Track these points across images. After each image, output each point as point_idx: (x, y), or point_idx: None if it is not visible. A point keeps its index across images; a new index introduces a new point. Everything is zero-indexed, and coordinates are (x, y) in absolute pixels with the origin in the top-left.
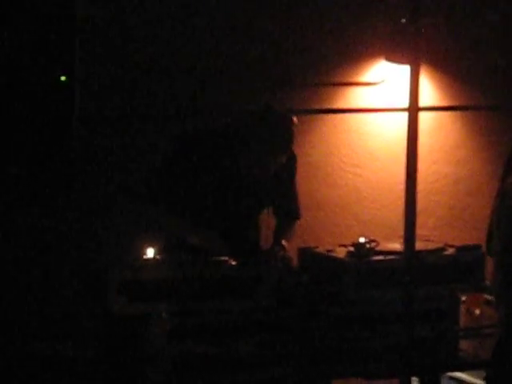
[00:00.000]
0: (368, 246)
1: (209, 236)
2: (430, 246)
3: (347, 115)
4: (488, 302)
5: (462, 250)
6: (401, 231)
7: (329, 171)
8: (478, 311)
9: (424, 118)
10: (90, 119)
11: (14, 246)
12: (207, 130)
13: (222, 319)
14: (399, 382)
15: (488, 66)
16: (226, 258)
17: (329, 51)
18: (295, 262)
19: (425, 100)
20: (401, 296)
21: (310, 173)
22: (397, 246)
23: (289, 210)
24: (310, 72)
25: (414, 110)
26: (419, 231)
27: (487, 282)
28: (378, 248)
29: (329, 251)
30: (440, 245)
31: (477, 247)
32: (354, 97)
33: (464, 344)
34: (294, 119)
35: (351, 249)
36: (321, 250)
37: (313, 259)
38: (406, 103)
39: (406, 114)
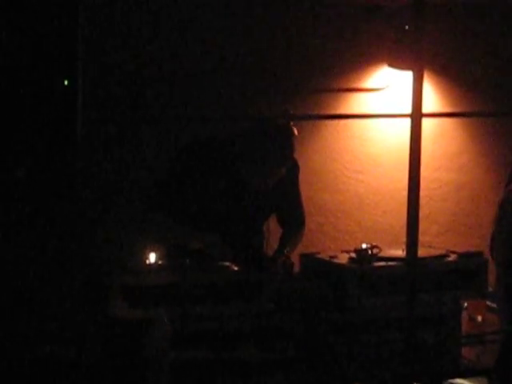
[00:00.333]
0: (370, 252)
1: (211, 241)
2: (433, 252)
3: (350, 121)
4: (490, 309)
5: (464, 256)
6: (403, 237)
7: (331, 177)
8: (480, 318)
9: (426, 124)
10: (93, 123)
11: (16, 248)
12: (209, 139)
13: (223, 324)
14: None
15: (491, 72)
16: (228, 264)
17: (332, 57)
18: (297, 267)
19: (427, 106)
20: (403, 302)
21: (313, 179)
22: (399, 252)
23: (293, 219)
24: (313, 78)
25: (417, 116)
26: (421, 238)
27: (490, 289)
28: (380, 254)
29: (331, 257)
30: (442, 251)
31: (479, 254)
32: (357, 103)
33: (466, 351)
34: (294, 130)
35: (353, 255)
36: (323, 255)
37: (315, 265)
38: (408, 109)
39: (408, 120)
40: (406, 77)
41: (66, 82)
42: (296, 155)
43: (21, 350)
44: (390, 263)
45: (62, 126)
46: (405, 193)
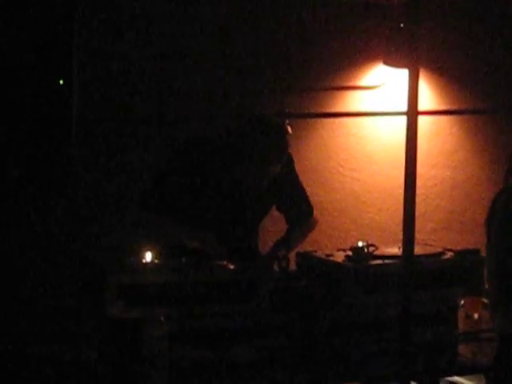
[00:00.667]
0: (366, 250)
1: (207, 239)
2: (429, 250)
3: (345, 119)
4: (486, 306)
5: (460, 254)
6: (399, 235)
7: (327, 175)
8: (476, 315)
9: (422, 122)
10: (88, 123)
11: (12, 248)
12: (203, 138)
13: (220, 323)
14: None
15: (486, 69)
16: (225, 263)
17: (327, 55)
18: (293, 266)
19: (423, 104)
20: (399, 300)
21: (309, 177)
22: (395, 250)
23: (296, 211)
24: (309, 76)
25: (413, 113)
26: (417, 235)
27: (486, 287)
28: (376, 252)
29: (327, 255)
30: (439, 249)
31: (475, 251)
32: (353, 101)
33: (463, 348)
34: (288, 128)
35: (350, 253)
36: (319, 254)
37: (311, 263)
38: (404, 107)
39: (404, 118)
40: (402, 75)
41: (61, 82)
42: (292, 153)
43: (18, 350)
44: (387, 261)
45: (56, 125)
46: (401, 190)
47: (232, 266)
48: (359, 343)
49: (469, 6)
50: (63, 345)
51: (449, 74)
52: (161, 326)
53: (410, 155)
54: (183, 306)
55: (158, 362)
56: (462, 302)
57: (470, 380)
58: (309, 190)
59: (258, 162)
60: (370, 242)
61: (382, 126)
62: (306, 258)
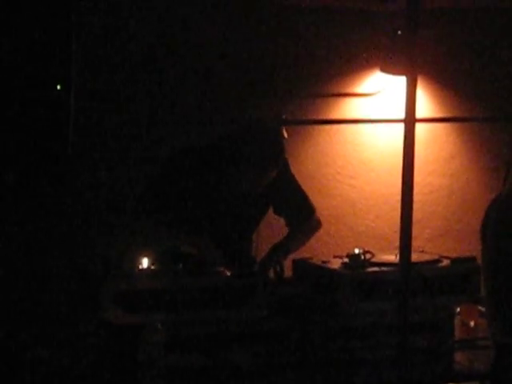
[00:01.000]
0: (363, 257)
1: (204, 245)
2: (425, 257)
3: (342, 126)
4: (483, 314)
5: (457, 261)
6: (395, 242)
7: (324, 182)
8: (472, 323)
9: (418, 129)
10: (85, 128)
11: (8, 253)
12: (198, 144)
13: (216, 329)
14: None
15: (483, 77)
16: (221, 269)
17: (324, 62)
18: (289, 272)
19: (419, 111)
20: (396, 307)
21: (305, 183)
22: (392, 257)
23: (295, 214)
24: (306, 83)
25: (410, 121)
26: (414, 242)
27: (482, 294)
28: (372, 259)
29: (324, 262)
30: (435, 256)
31: (472, 259)
32: (350, 108)
33: (459, 356)
34: (284, 132)
35: (346, 260)
36: (315, 261)
37: (307, 270)
38: (401, 114)
39: (401, 126)
40: (399, 82)
41: (58, 87)
42: (288, 160)
43: (14, 355)
44: (383, 268)
45: (54, 130)
46: (397, 198)
47: (228, 272)
48: (355, 350)
49: (467, 13)
50: (60, 350)
51: (445, 81)
52: (157, 332)
53: (407, 162)
54: (180, 312)
55: (154, 368)
56: (458, 309)
57: None
58: None
59: (254, 166)
60: (366, 249)
61: (379, 133)
62: (302, 265)
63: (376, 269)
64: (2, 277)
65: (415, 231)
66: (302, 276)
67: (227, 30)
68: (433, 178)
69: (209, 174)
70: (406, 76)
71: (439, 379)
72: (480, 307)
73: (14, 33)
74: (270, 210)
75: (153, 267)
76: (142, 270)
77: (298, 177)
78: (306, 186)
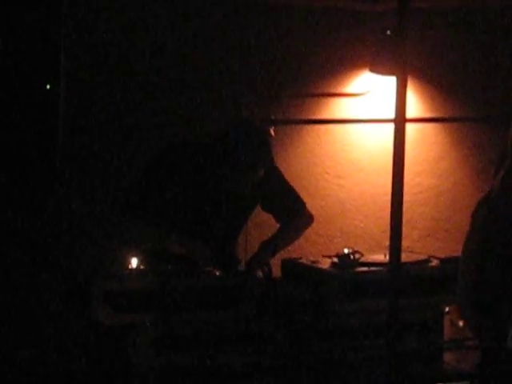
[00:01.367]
0: (352, 257)
1: (193, 245)
2: (415, 257)
3: (331, 126)
4: None
5: (446, 261)
6: (384, 242)
7: (312, 182)
8: (461, 323)
9: (407, 129)
10: (75, 128)
11: None
12: (186, 142)
13: (206, 330)
14: None
15: (472, 77)
16: (211, 269)
17: (313, 62)
18: (278, 272)
19: (408, 111)
20: (385, 307)
21: (294, 183)
22: (381, 257)
23: (284, 210)
24: (295, 83)
25: (400, 121)
26: (403, 242)
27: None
28: (362, 259)
29: (313, 262)
30: (424, 256)
31: None
32: (338, 108)
33: (448, 356)
34: (271, 131)
35: (335, 260)
36: (305, 261)
37: (297, 270)
38: (389, 114)
39: (389, 126)
40: (387, 82)
41: (48, 87)
42: (277, 160)
43: (4, 356)
44: (373, 268)
45: (43, 130)
46: (386, 198)
47: (218, 273)
48: (345, 350)
49: (455, 13)
50: (50, 351)
51: (434, 81)
52: (147, 333)
53: (397, 162)
54: (169, 312)
55: (144, 368)
56: (447, 309)
57: None
58: None
59: (242, 166)
60: (355, 249)
61: (368, 133)
62: (291, 265)
63: (365, 269)
64: None
65: (404, 231)
66: (291, 276)
67: (216, 29)
68: (421, 178)
69: (196, 172)
70: (396, 76)
71: (428, 379)
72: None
73: (3, 32)
74: (259, 210)
75: (142, 267)
76: (132, 270)
77: (286, 177)
78: (294, 185)
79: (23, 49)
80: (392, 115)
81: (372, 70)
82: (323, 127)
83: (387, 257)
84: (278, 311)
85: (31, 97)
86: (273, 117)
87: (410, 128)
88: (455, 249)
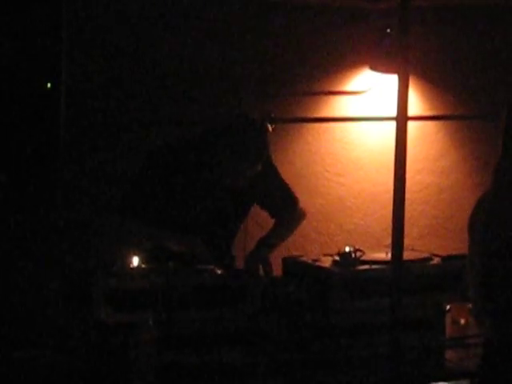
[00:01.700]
0: (354, 255)
1: (195, 244)
2: (416, 255)
3: (331, 124)
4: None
5: (447, 259)
6: (384, 240)
7: (312, 180)
8: (463, 321)
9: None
10: (75, 127)
11: None
12: (182, 139)
13: (208, 328)
14: None
15: (472, 75)
16: (212, 267)
17: (314, 60)
18: (279, 271)
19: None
20: (387, 306)
21: (294, 181)
22: (382, 255)
23: (279, 206)
24: (295, 81)
25: (402, 119)
26: (403, 240)
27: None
28: (363, 257)
29: (314, 260)
30: (426, 254)
31: (463, 257)
32: (338, 106)
33: (449, 354)
34: (269, 127)
35: (337, 258)
36: (306, 259)
37: (298, 268)
38: (389, 112)
39: (390, 124)
40: (388, 80)
41: (49, 85)
42: (277, 158)
43: (4, 355)
44: (374, 266)
45: (44, 129)
46: (386, 196)
47: (219, 271)
48: (347, 348)
49: (455, 11)
50: (50, 350)
51: (434, 79)
52: (149, 331)
53: (399, 160)
54: (171, 310)
55: (145, 367)
56: (449, 307)
57: None
58: None
59: (238, 160)
60: (356, 247)
61: (368, 131)
62: (292, 263)
63: (367, 267)
64: None
65: (405, 229)
66: (293, 274)
67: (215, 28)
68: (422, 176)
69: (193, 169)
70: (398, 74)
71: (430, 377)
72: (470, 305)
73: (3, 31)
74: (257, 209)
75: (143, 266)
76: (133, 268)
77: (286, 175)
78: (294, 184)
79: (24, 48)
80: (392, 113)
81: (373, 68)
82: (323, 125)
83: (388, 255)
84: (280, 310)
85: (32, 96)
86: (273, 115)
87: (410, 126)
88: (456, 247)
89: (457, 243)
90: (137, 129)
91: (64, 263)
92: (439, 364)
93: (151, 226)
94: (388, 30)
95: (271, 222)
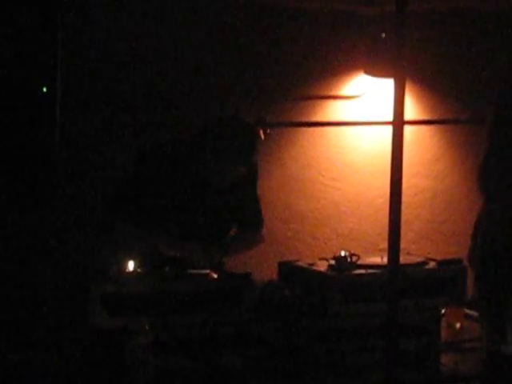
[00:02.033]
0: (349, 259)
1: (192, 248)
2: (412, 259)
3: (326, 128)
4: (468, 316)
5: (443, 263)
6: (379, 244)
7: (308, 184)
8: (458, 325)
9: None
10: (71, 131)
11: None
12: (172, 140)
13: (204, 332)
14: None
15: (466, 79)
16: (207, 272)
17: (308, 64)
18: (274, 275)
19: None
20: (383, 310)
21: (289, 186)
22: (378, 259)
23: (248, 220)
24: (289, 85)
25: (398, 123)
26: None
27: (468, 296)
28: (359, 262)
29: (310, 265)
30: (421, 258)
31: (458, 261)
32: (333, 110)
33: (444, 358)
34: (259, 131)
35: (332, 262)
36: (302, 263)
37: (294, 273)
38: (384, 116)
39: (385, 128)
40: (382, 84)
41: (44, 89)
42: (272, 162)
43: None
44: (370, 271)
45: (39, 133)
46: (381, 200)
47: (215, 276)
48: (343, 352)
49: (450, 16)
50: (46, 354)
51: (428, 83)
52: (145, 336)
53: (395, 164)
54: (167, 315)
55: (142, 372)
56: (443, 311)
57: None
58: (289, 199)
59: (225, 159)
60: (352, 252)
61: (363, 135)
62: (289, 268)
63: (363, 271)
64: None
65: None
66: (289, 278)
67: (210, 32)
68: (417, 180)
69: (182, 168)
70: (394, 78)
71: (426, 381)
72: (466, 309)
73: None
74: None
75: (139, 270)
76: (129, 272)
77: (281, 179)
78: (289, 188)
79: (19, 51)
80: (386, 117)
81: (368, 73)
82: (318, 129)
83: (384, 259)
84: (276, 314)
85: (27, 100)
86: (268, 119)
87: (405, 130)
88: (451, 250)
89: (451, 247)
90: (133, 132)
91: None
92: (434, 368)
93: (143, 229)
94: (383, 35)
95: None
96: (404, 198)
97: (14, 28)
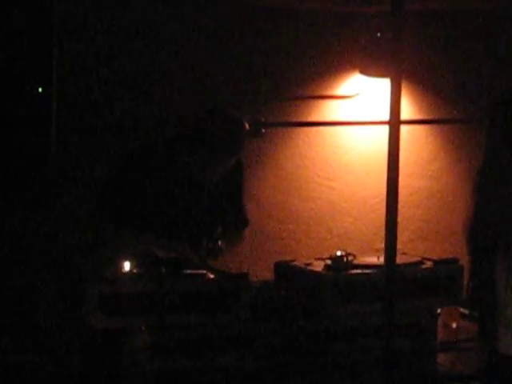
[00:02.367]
0: (345, 259)
1: (184, 249)
2: (408, 259)
3: (322, 128)
4: (464, 316)
5: (439, 263)
6: (375, 244)
7: (303, 184)
8: (454, 325)
9: None
10: (67, 131)
11: None
12: (157, 139)
13: (200, 333)
14: None
15: (462, 79)
16: (204, 272)
17: (303, 64)
18: (270, 275)
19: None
20: (379, 310)
21: (284, 185)
22: (374, 259)
23: (233, 218)
24: (285, 85)
25: (395, 123)
26: None
27: (464, 296)
28: (355, 261)
29: (306, 265)
30: (417, 258)
31: (454, 260)
32: (328, 110)
33: (440, 357)
34: (246, 124)
35: (328, 262)
36: (298, 263)
37: (290, 273)
38: (379, 116)
39: (380, 128)
40: (378, 84)
41: (40, 90)
42: (267, 162)
43: None
44: (366, 271)
45: (36, 133)
46: (377, 200)
47: (212, 276)
48: (339, 353)
49: (446, 16)
50: (43, 355)
51: (424, 83)
52: (142, 336)
53: (392, 164)
54: (163, 315)
55: (138, 372)
56: (439, 311)
57: None
58: (284, 199)
59: (211, 152)
60: (348, 251)
61: (359, 135)
62: (285, 268)
63: (359, 271)
64: None
65: None
66: (285, 278)
67: (206, 32)
68: (412, 179)
69: (167, 166)
70: (391, 78)
71: (422, 381)
72: (461, 309)
73: None
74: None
75: (135, 271)
76: (125, 273)
77: (276, 179)
78: (284, 188)
79: (15, 52)
80: (382, 117)
81: (363, 73)
82: (314, 129)
83: (380, 259)
84: (272, 314)
85: (23, 100)
86: (263, 119)
87: (401, 129)
88: (447, 250)
89: (447, 246)
90: (130, 132)
91: (56, 268)
92: (431, 368)
93: (131, 230)
94: (378, 34)
95: (263, 229)
96: (400, 198)
97: (9, 29)
